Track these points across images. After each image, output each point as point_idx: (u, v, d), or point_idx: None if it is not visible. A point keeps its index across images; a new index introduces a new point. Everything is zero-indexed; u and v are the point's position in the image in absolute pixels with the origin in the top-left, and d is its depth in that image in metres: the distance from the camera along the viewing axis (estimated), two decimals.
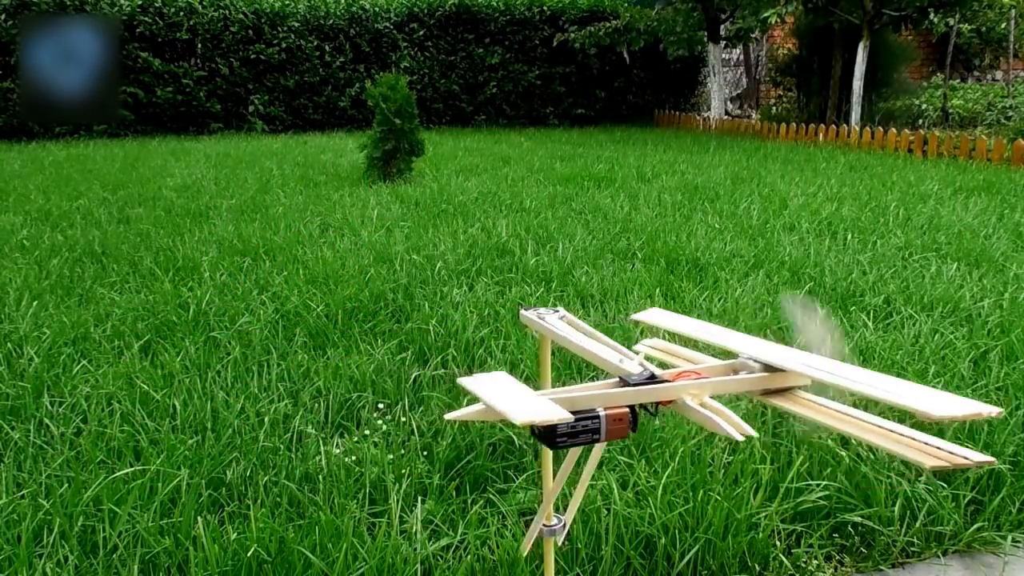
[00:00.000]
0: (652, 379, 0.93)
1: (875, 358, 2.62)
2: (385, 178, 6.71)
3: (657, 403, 0.92)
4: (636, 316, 1.26)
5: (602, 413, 0.87)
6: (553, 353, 1.33)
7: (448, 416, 0.88)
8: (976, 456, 0.75)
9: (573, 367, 2.55)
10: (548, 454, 1.39)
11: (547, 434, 0.86)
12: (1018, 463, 2.00)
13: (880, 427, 0.82)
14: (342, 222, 4.88)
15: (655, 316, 1.23)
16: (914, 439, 0.79)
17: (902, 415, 1.49)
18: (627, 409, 0.89)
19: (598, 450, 1.22)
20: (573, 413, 0.85)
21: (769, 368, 0.95)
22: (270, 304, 3.20)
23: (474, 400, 0.87)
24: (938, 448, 0.77)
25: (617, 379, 0.95)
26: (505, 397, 0.84)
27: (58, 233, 4.58)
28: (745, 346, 1.02)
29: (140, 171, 7.30)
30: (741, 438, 0.83)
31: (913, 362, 2.58)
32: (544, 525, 1.36)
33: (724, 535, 1.71)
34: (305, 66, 12.07)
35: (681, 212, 5.18)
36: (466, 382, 0.91)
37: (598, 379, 2.46)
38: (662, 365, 1.10)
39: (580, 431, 0.86)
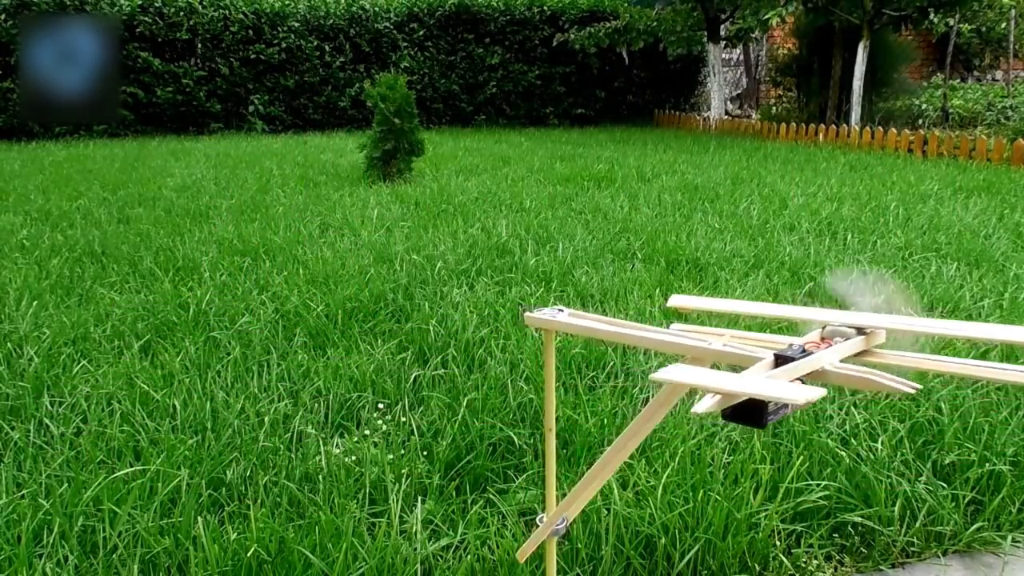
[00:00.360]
0: (804, 352, 0.93)
1: None
2: (385, 178, 6.71)
3: (808, 374, 0.92)
4: (673, 301, 1.24)
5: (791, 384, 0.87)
6: (557, 352, 1.34)
7: (696, 410, 0.84)
8: None
9: (573, 367, 2.55)
10: (551, 455, 1.38)
11: (756, 412, 0.84)
12: (1018, 463, 2.00)
13: (978, 366, 0.85)
14: (342, 222, 4.88)
15: (687, 301, 1.22)
16: (1006, 368, 0.83)
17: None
18: (797, 379, 0.89)
19: (614, 453, 1.21)
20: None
21: (861, 332, 0.96)
22: (270, 304, 3.20)
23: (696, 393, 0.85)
24: None
25: (772, 357, 0.94)
26: (735, 381, 0.83)
27: (58, 233, 4.58)
28: (818, 316, 1.02)
29: (140, 171, 7.30)
30: (911, 391, 0.83)
31: None
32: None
33: (724, 535, 1.71)
34: (305, 66, 12.07)
35: (681, 212, 5.18)
36: (665, 374, 0.87)
37: (600, 374, 2.47)
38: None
39: (780, 407, 0.86)
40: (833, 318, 0.99)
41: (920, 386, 0.84)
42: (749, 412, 0.84)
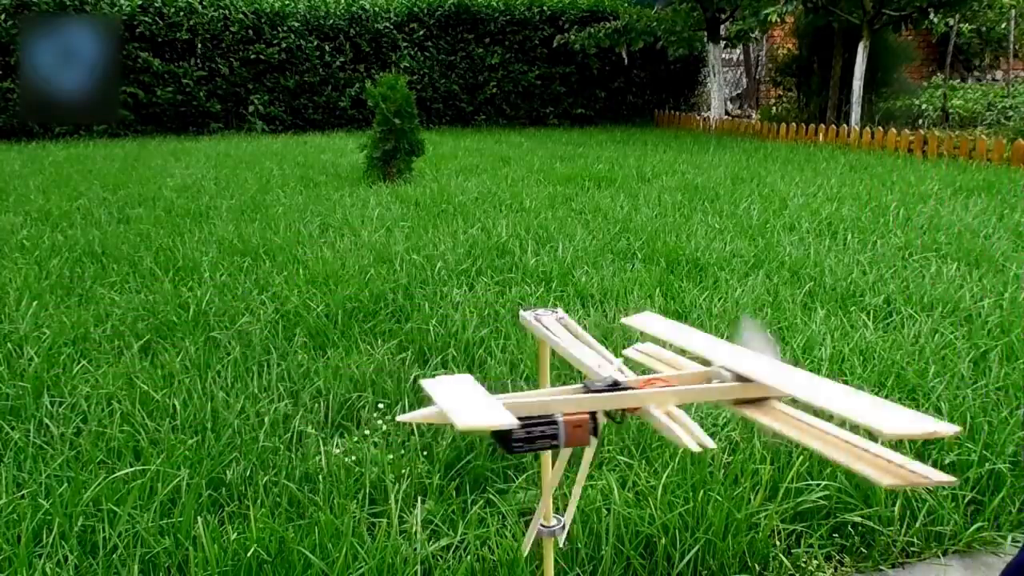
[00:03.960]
0: (615, 386, 0.93)
1: (875, 358, 2.62)
2: (385, 178, 6.71)
3: (623, 410, 0.92)
4: (627, 320, 1.25)
5: (560, 419, 0.87)
6: (553, 353, 1.33)
7: (400, 418, 0.88)
8: (936, 475, 0.74)
9: (573, 368, 2.54)
10: (547, 455, 1.39)
11: (504, 439, 0.86)
12: (1018, 463, 2.00)
13: (846, 442, 0.82)
14: (342, 222, 4.88)
15: (644, 320, 1.23)
16: (879, 455, 0.79)
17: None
18: (587, 415, 0.89)
19: (589, 451, 1.22)
20: (529, 418, 0.85)
21: (741, 378, 0.95)
22: (270, 304, 3.20)
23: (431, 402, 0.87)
24: (900, 466, 0.76)
25: (582, 385, 0.95)
26: (458, 401, 0.84)
27: (58, 233, 4.58)
28: (721, 355, 1.01)
29: (140, 171, 7.30)
30: (698, 449, 0.83)
31: (913, 362, 2.58)
32: (543, 525, 1.35)
33: (724, 535, 1.71)
34: (305, 66, 12.07)
35: (681, 212, 5.18)
36: (426, 384, 0.91)
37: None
38: (648, 370, 1.10)
39: (537, 437, 0.86)
40: (715, 357, 1.00)
41: (712, 445, 0.85)
42: (501, 439, 0.87)
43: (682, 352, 1.13)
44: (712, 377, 0.98)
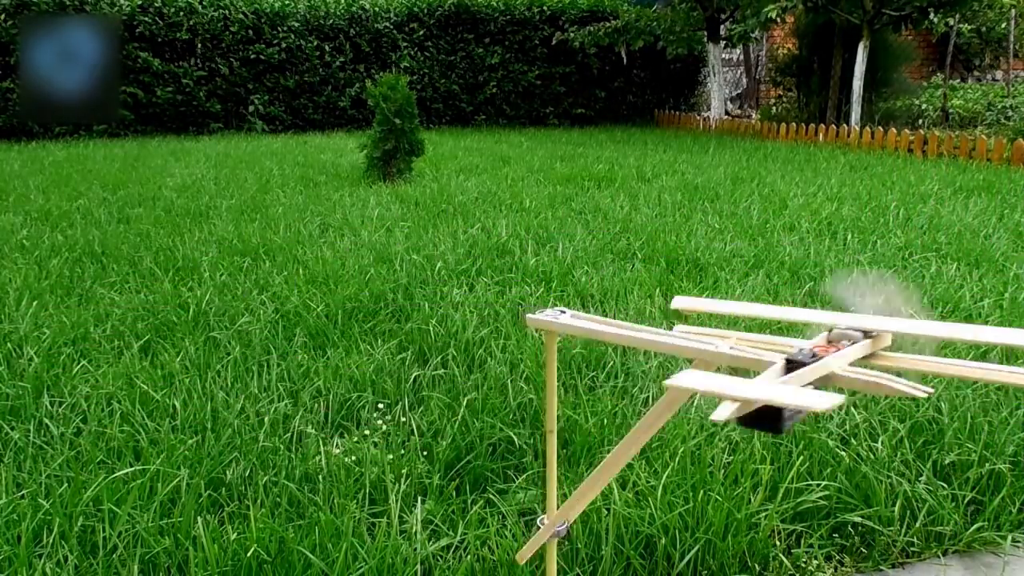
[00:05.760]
0: (814, 356, 0.92)
1: None
2: (385, 178, 6.71)
3: (819, 378, 0.91)
4: (675, 304, 1.23)
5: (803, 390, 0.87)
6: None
7: (714, 417, 0.84)
8: None
9: (572, 367, 2.55)
10: (552, 457, 1.38)
11: (773, 418, 0.84)
12: (1018, 463, 2.00)
13: (979, 368, 0.85)
14: (342, 222, 4.88)
15: (691, 303, 1.21)
16: (1013, 371, 0.83)
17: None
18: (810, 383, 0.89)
19: (618, 455, 1.21)
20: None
21: (867, 334, 0.95)
22: (270, 304, 3.20)
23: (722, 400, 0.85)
24: None
25: (783, 361, 0.93)
26: (764, 389, 0.82)
27: (58, 233, 4.58)
28: (818, 318, 1.01)
29: (140, 171, 7.30)
30: (924, 394, 0.83)
31: None
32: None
33: (724, 535, 1.71)
34: (305, 66, 12.07)
35: (681, 212, 5.18)
36: (683, 382, 0.87)
37: (600, 374, 2.46)
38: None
39: (796, 411, 0.85)
40: (834, 320, 0.99)
41: (932, 390, 0.84)
42: (766, 418, 0.82)
43: (734, 325, 1.12)
44: (838, 339, 0.97)
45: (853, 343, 0.95)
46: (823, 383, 0.90)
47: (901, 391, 0.82)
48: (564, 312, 1.23)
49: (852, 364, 0.92)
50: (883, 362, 0.94)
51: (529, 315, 1.23)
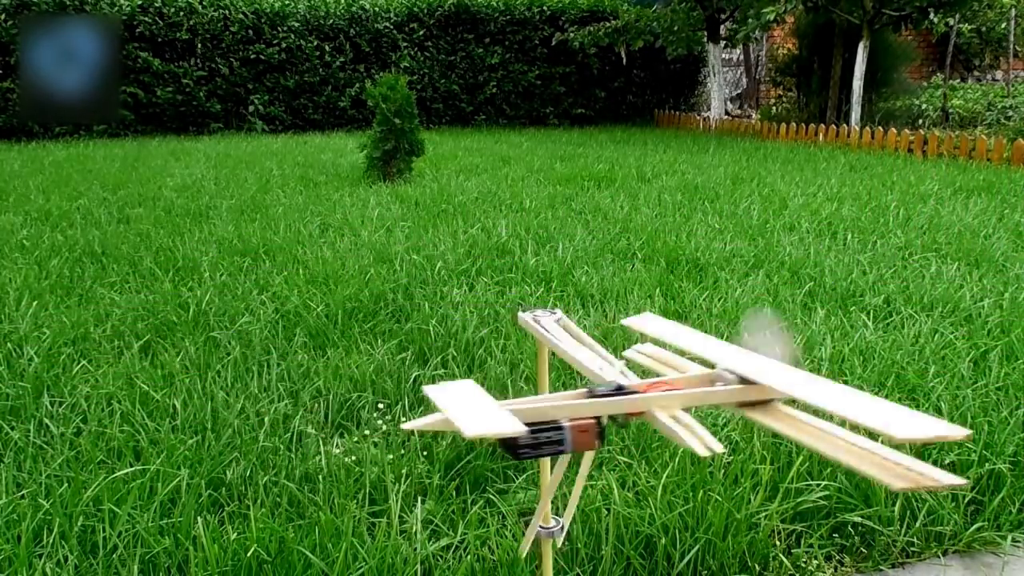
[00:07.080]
0: (620, 390, 0.93)
1: (875, 358, 2.62)
2: (385, 178, 6.71)
3: (627, 414, 0.92)
4: (626, 321, 1.25)
5: (566, 425, 0.87)
6: (552, 354, 1.33)
7: (406, 426, 0.88)
8: (946, 478, 0.73)
9: (573, 369, 2.54)
10: (546, 461, 1.39)
11: (510, 445, 0.85)
12: (1018, 463, 2.00)
13: (852, 444, 0.81)
14: (342, 222, 4.88)
15: (644, 321, 1.22)
16: (886, 458, 0.78)
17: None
18: (593, 421, 0.88)
19: (589, 455, 1.22)
20: (535, 424, 0.85)
21: (745, 380, 0.95)
22: (270, 304, 3.20)
23: (436, 409, 0.87)
24: (908, 468, 0.76)
25: (586, 390, 0.95)
26: (463, 408, 0.84)
27: (58, 233, 4.58)
28: (724, 357, 1.01)
29: (140, 171, 7.30)
30: (706, 453, 0.83)
31: (913, 362, 2.58)
32: (541, 527, 1.35)
33: (724, 535, 1.71)
34: (305, 66, 12.07)
35: (681, 212, 5.18)
36: (430, 391, 0.91)
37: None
38: (649, 372, 1.09)
39: (543, 442, 0.86)
40: (743, 363, 0.99)
41: (720, 448, 0.84)
42: (507, 445, 0.87)
43: (682, 353, 1.13)
44: (715, 379, 0.97)
45: (725, 384, 0.95)
46: (642, 418, 0.92)
47: (690, 447, 0.83)
48: (554, 312, 1.24)
49: (722, 405, 0.94)
50: (757, 414, 0.93)
51: (520, 313, 1.23)
